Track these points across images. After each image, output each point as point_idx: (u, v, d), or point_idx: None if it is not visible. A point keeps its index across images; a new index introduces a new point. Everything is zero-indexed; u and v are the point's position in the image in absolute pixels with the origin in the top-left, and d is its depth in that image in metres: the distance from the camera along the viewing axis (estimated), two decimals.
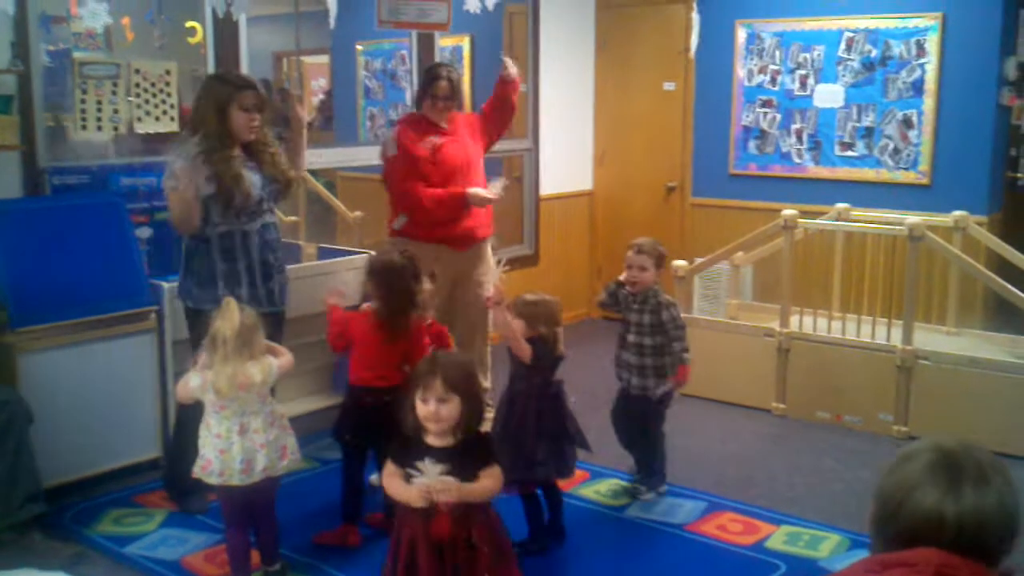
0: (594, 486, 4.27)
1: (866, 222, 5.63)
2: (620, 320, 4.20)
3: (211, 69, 4.72)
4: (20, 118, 4.12)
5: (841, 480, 4.45)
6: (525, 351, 3.56)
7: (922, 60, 5.97)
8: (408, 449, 2.76)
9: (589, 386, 4.99)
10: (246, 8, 4.19)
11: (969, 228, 5.55)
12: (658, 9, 6.99)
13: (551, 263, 7.03)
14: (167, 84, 4.59)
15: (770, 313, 5.57)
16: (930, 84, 5.96)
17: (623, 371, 4.15)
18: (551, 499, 3.74)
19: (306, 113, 4.08)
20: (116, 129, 4.51)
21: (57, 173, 4.27)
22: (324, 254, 5.22)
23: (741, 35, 6.63)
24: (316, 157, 5.18)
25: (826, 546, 3.76)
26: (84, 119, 4.40)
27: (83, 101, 4.38)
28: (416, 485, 2.68)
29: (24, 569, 3.11)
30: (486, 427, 3.28)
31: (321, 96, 8.39)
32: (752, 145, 6.69)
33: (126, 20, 5.08)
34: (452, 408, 2.69)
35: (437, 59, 6.09)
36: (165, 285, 4.27)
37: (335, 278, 4.83)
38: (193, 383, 3.23)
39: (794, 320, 5.32)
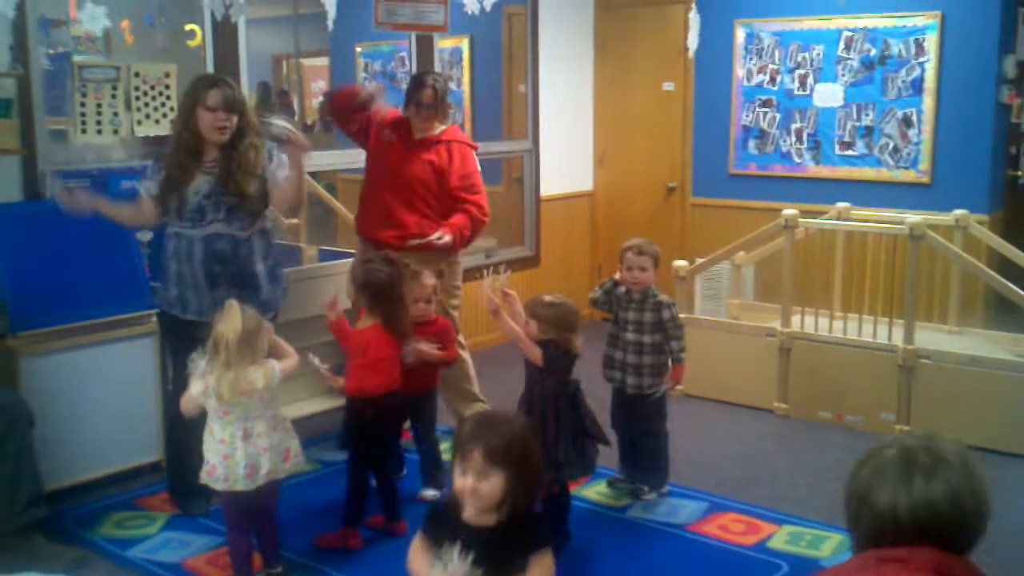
0: (596, 487, 4.26)
1: (867, 221, 5.63)
2: (612, 320, 4.21)
3: (211, 71, 4.72)
4: (20, 122, 4.12)
5: (843, 480, 4.39)
6: (535, 354, 3.57)
7: (921, 59, 5.97)
8: (441, 520, 2.29)
9: (589, 387, 4.96)
10: (245, 11, 4.18)
11: (970, 227, 5.54)
12: (657, 9, 6.99)
13: (552, 264, 7.02)
14: (167, 87, 4.58)
15: (772, 313, 5.56)
16: (929, 83, 5.96)
17: (615, 371, 4.15)
18: (555, 502, 3.74)
19: (305, 148, 3.91)
20: (116, 132, 4.51)
21: (57, 177, 4.26)
22: (325, 256, 5.22)
23: (740, 35, 6.63)
24: (316, 159, 5.18)
25: (828, 546, 3.75)
26: (84, 122, 4.40)
27: (83, 104, 4.38)
28: None
29: (27, 573, 3.10)
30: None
31: (321, 98, 8.39)
32: (752, 145, 6.69)
33: (125, 23, 5.07)
34: (494, 485, 2.17)
35: (436, 61, 6.09)
36: None
37: (335, 280, 4.82)
38: (194, 390, 3.22)
39: (796, 320, 5.32)
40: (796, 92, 6.46)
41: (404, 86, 4.76)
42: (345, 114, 4.65)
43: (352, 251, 5.25)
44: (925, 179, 6.04)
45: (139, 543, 3.76)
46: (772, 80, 6.54)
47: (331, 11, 4.70)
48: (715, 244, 5.98)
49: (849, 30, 6.21)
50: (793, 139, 6.51)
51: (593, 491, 4.23)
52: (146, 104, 4.57)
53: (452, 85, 7.01)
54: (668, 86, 7.05)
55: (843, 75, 6.26)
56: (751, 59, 6.61)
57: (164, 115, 4.58)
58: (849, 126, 6.28)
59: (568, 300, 3.72)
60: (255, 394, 3.21)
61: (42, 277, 4.04)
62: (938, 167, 6.00)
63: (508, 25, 7.05)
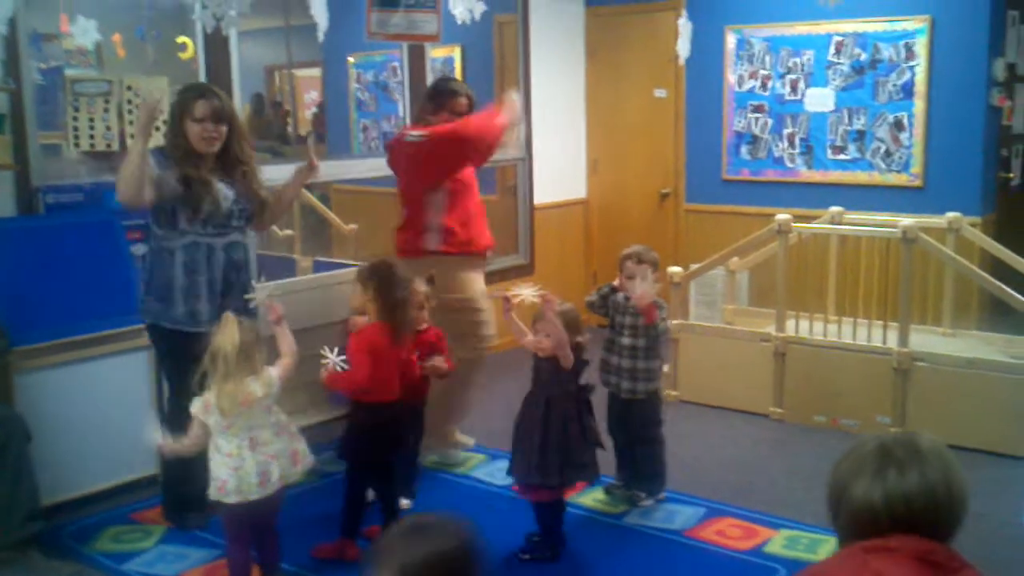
0: (593, 493, 4.26)
1: (860, 225, 5.64)
2: (607, 326, 4.23)
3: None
4: (12, 137, 4.12)
5: None
6: (570, 359, 3.58)
7: (911, 63, 5.99)
8: None
9: None
10: (236, 23, 4.19)
11: (963, 229, 5.56)
12: (648, 16, 7.01)
13: (546, 272, 7.02)
14: (159, 100, 4.58)
15: (766, 318, 5.57)
16: (920, 86, 5.98)
17: (611, 376, 4.16)
18: (556, 505, 3.76)
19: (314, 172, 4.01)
20: (109, 146, 4.51)
21: (50, 191, 4.27)
22: (319, 267, 5.22)
23: (731, 41, 6.65)
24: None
25: (825, 550, 3.75)
26: (76, 136, 4.40)
27: (75, 119, 4.38)
28: None
29: None
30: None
31: (314, 109, 8.41)
32: (744, 150, 6.71)
33: (117, 37, 5.08)
34: None
35: (428, 71, 6.10)
36: None
37: (330, 291, 4.83)
38: (194, 408, 3.20)
39: (790, 324, 5.33)
40: (787, 97, 6.48)
41: (396, 96, 4.77)
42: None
43: (348, 261, 5.27)
44: (917, 182, 6.06)
45: (135, 557, 3.75)
46: (763, 85, 6.56)
47: (322, 22, 4.72)
48: (709, 250, 5.99)
49: (839, 35, 6.23)
50: (785, 144, 6.53)
51: (590, 498, 4.24)
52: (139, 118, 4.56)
53: None
54: (660, 93, 7.07)
55: (834, 80, 6.28)
56: (742, 65, 6.63)
57: (157, 128, 4.57)
58: (841, 130, 6.29)
59: (570, 304, 3.75)
60: (256, 404, 3.20)
61: (36, 292, 4.04)
62: (930, 170, 6.02)
63: (499, 34, 7.06)
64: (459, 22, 5.26)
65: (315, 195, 5.96)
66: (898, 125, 6.08)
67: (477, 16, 5.26)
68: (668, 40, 6.75)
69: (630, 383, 4.11)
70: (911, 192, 6.08)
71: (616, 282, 4.17)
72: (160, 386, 4.29)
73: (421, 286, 4.06)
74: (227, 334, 3.16)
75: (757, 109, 6.61)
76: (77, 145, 4.40)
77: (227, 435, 3.20)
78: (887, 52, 6.07)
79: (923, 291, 5.63)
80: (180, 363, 3.79)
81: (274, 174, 4.31)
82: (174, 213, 3.71)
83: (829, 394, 5.14)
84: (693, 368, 5.56)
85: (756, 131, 6.64)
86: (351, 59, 7.87)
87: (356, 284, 3.76)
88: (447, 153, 4.48)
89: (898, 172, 6.13)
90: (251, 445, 3.19)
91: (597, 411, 3.84)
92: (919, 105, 6.00)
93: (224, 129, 3.74)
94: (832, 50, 6.27)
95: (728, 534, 3.92)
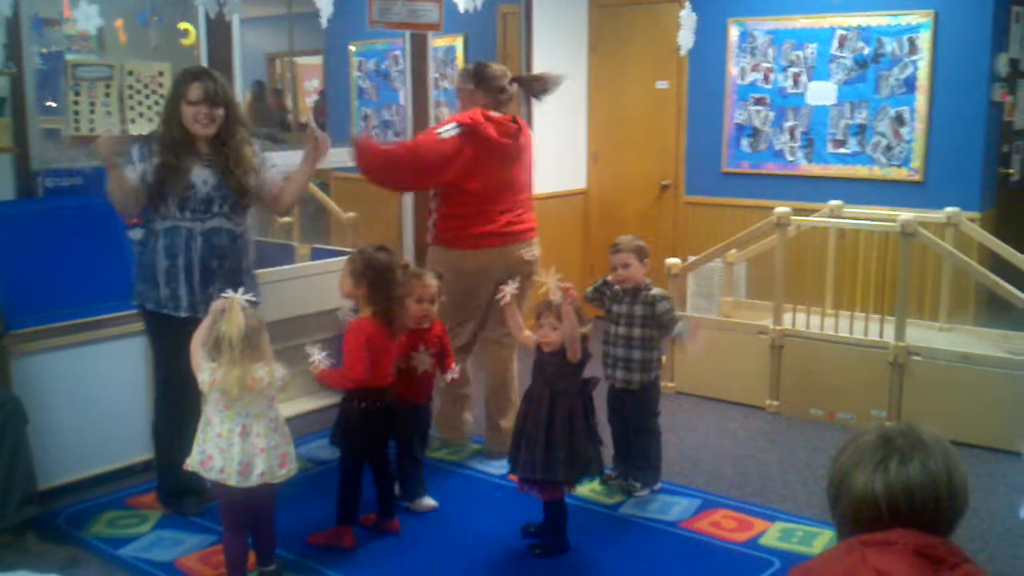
0: (588, 483, 4.25)
1: (859, 219, 5.64)
2: (605, 318, 4.22)
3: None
4: (12, 120, 4.12)
5: None
6: (579, 353, 3.57)
7: (914, 57, 5.99)
8: None
9: None
10: (239, 9, 4.18)
11: (961, 224, 5.56)
12: (651, 7, 7.00)
13: (545, 262, 6.96)
14: (160, 86, 4.59)
15: (763, 310, 5.58)
16: (922, 81, 5.97)
17: (608, 367, 4.18)
18: (561, 507, 3.76)
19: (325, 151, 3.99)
20: (109, 131, 4.50)
21: (50, 175, 4.27)
22: (317, 254, 5.22)
23: (734, 33, 6.64)
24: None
25: (820, 542, 3.76)
26: (77, 121, 4.40)
27: (76, 103, 4.38)
28: None
29: (19, 572, 3.10)
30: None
31: (315, 97, 8.39)
32: (745, 143, 6.70)
33: (119, 22, 5.07)
34: None
35: (430, 59, 6.09)
36: None
37: (328, 279, 4.83)
38: (202, 377, 3.21)
39: (787, 317, 5.33)
40: (789, 90, 6.47)
41: (398, 85, 4.76)
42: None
43: (346, 249, 5.27)
44: (917, 177, 6.06)
45: (131, 542, 3.76)
46: (765, 78, 6.56)
47: (324, 9, 4.71)
48: (708, 242, 6.00)
49: (842, 28, 6.22)
50: (786, 137, 6.52)
51: (586, 488, 4.23)
52: (139, 103, 4.57)
53: (445, 84, 7.01)
54: (661, 84, 7.06)
55: (836, 73, 6.27)
56: (744, 57, 6.62)
57: (158, 114, 4.57)
58: (842, 124, 6.29)
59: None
60: (260, 391, 3.20)
61: (34, 276, 4.04)
62: (930, 165, 6.02)
63: (502, 24, 7.05)
64: (462, 10, 5.25)
65: (315, 183, 5.95)
66: (899, 119, 6.08)
67: (479, 5, 5.25)
68: (671, 32, 6.69)
69: (625, 372, 4.12)
70: (911, 187, 6.08)
71: (611, 276, 4.18)
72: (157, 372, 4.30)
73: (432, 279, 3.98)
74: (233, 320, 3.16)
75: (759, 102, 6.60)
76: (77, 130, 4.40)
77: (223, 415, 3.20)
78: (890, 46, 6.06)
79: (920, 286, 5.63)
80: (164, 345, 3.84)
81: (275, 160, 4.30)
82: (152, 198, 3.76)
83: (825, 387, 5.15)
84: (689, 360, 5.57)
85: (757, 124, 6.63)
86: (353, 47, 7.86)
87: (347, 275, 3.71)
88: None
89: (898, 166, 6.13)
90: (242, 432, 3.19)
91: (598, 401, 3.84)
92: (921, 100, 5.99)
93: (220, 112, 3.73)
94: (835, 43, 6.26)
95: (723, 526, 3.93)
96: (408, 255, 5.61)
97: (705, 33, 6.42)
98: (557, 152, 7.09)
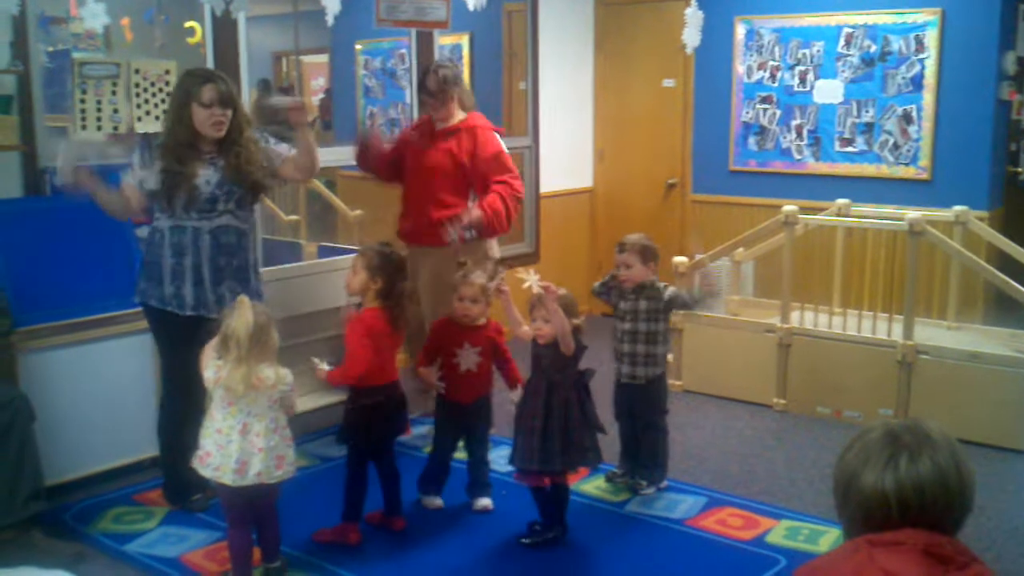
0: (594, 481, 4.27)
1: (866, 218, 5.63)
2: (612, 315, 4.23)
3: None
4: (20, 118, 4.13)
5: None
6: (571, 345, 3.58)
7: (921, 55, 5.97)
8: None
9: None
10: (245, 7, 4.18)
11: (970, 223, 5.54)
12: (657, 6, 6.99)
13: (552, 260, 7.02)
14: (167, 84, 4.59)
15: (771, 309, 5.56)
16: (929, 79, 5.96)
17: (615, 362, 4.19)
18: (560, 492, 3.77)
19: (304, 113, 4.03)
20: (116, 129, 4.51)
21: (57, 173, 4.27)
22: (324, 252, 5.23)
23: (740, 31, 6.63)
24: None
25: (826, 540, 3.76)
26: (84, 119, 4.40)
27: (83, 101, 4.39)
28: None
29: (25, 568, 3.11)
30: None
31: (321, 95, 8.39)
32: (752, 141, 6.69)
33: (125, 20, 5.08)
34: None
35: (436, 58, 6.09)
36: None
37: (335, 277, 4.83)
38: (207, 374, 3.22)
39: (795, 316, 5.32)
40: (796, 88, 6.45)
41: (404, 83, 4.79)
42: (384, 165, 4.77)
43: (353, 247, 5.27)
44: (925, 175, 6.04)
45: (137, 538, 3.77)
46: (772, 77, 6.54)
47: (331, 8, 4.71)
48: (715, 240, 5.98)
49: (849, 27, 6.21)
50: (793, 135, 6.51)
51: (591, 486, 4.24)
52: (146, 101, 4.58)
53: None
54: (668, 83, 7.05)
55: (843, 71, 6.26)
56: (751, 55, 6.61)
57: (164, 112, 4.58)
58: (849, 122, 6.28)
59: (565, 289, 3.68)
60: (265, 390, 3.20)
61: (42, 273, 4.06)
62: (938, 163, 6.00)
63: (508, 22, 7.04)
64: (470, 8, 5.25)
65: (321, 181, 5.95)
66: (907, 118, 6.06)
67: (484, 2, 5.25)
68: (678, 30, 6.68)
69: (629, 367, 4.13)
70: (918, 185, 6.06)
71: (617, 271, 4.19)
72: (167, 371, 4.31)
73: (479, 277, 3.91)
74: (241, 317, 3.16)
75: (765, 100, 6.59)
76: (84, 128, 4.40)
77: (226, 411, 3.20)
78: (897, 44, 6.05)
79: (928, 284, 5.61)
80: (167, 342, 3.85)
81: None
82: (157, 199, 3.79)
83: (833, 386, 5.13)
84: (696, 358, 5.56)
85: (764, 122, 6.62)
86: (359, 45, 7.86)
87: (360, 270, 3.71)
88: None
89: (906, 165, 6.11)
90: (242, 430, 3.20)
91: (606, 397, 3.84)
92: (928, 98, 5.97)
93: (230, 113, 3.77)
94: (842, 42, 6.24)
95: (729, 524, 3.93)
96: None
97: (711, 31, 6.41)
98: (563, 150, 7.10)
